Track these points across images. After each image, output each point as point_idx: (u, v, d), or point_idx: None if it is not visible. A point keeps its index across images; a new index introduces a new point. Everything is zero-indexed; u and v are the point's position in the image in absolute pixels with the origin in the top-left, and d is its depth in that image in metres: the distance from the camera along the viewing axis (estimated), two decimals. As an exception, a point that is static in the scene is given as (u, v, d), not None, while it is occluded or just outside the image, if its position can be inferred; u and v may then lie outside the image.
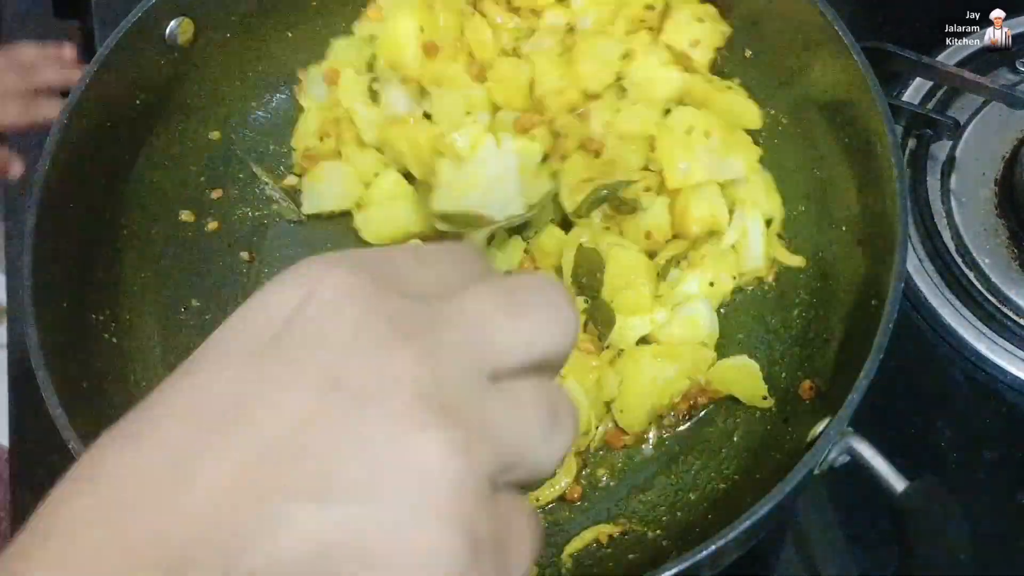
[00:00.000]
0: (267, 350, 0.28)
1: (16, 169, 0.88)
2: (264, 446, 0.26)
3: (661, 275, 0.77)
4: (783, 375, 0.74)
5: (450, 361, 0.28)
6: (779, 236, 0.79)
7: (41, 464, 0.80)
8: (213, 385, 0.27)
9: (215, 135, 0.84)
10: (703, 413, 0.74)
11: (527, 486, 0.30)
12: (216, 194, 0.84)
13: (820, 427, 0.59)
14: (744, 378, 0.73)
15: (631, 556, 0.69)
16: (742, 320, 0.78)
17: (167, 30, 0.75)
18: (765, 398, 0.72)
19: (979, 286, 0.82)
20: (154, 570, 0.24)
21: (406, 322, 0.28)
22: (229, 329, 0.29)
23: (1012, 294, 0.81)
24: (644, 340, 0.75)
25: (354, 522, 0.25)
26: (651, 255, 0.77)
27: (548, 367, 0.31)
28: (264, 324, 0.29)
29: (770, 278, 0.78)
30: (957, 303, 0.82)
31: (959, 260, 0.83)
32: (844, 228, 0.74)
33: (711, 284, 0.76)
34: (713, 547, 0.53)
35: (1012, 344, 0.80)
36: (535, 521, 0.30)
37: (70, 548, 0.25)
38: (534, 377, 0.30)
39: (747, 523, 0.53)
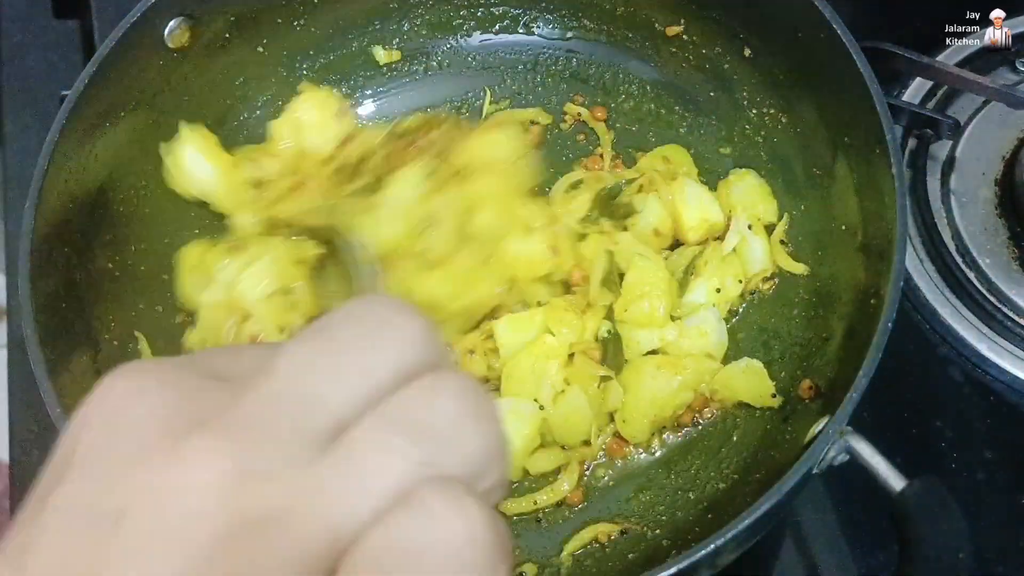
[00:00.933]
0: (50, 497, 0.25)
1: None
2: None
3: (680, 289, 0.76)
4: (783, 374, 0.74)
5: (261, 438, 0.24)
6: (781, 242, 0.79)
7: (40, 464, 0.80)
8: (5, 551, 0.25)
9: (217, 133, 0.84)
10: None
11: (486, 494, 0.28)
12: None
13: (819, 426, 0.59)
14: (750, 381, 0.73)
15: (631, 555, 0.69)
16: (741, 320, 0.78)
17: (166, 30, 0.75)
18: (774, 396, 0.72)
19: (979, 286, 0.82)
20: None
21: (202, 403, 0.25)
22: (44, 476, 0.27)
23: (1012, 294, 0.81)
24: (651, 351, 0.75)
25: None
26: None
27: (422, 371, 0.27)
28: (56, 467, 0.27)
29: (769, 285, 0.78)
30: (957, 303, 0.82)
31: (959, 260, 0.83)
32: (844, 228, 0.74)
33: (718, 290, 0.75)
34: (712, 546, 0.53)
35: (1012, 344, 0.80)
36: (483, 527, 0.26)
37: None
38: (376, 409, 0.26)
39: (746, 522, 0.54)
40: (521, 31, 0.90)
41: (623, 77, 0.88)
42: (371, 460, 0.25)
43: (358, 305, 0.28)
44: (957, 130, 0.87)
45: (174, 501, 0.24)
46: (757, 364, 0.73)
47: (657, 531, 0.70)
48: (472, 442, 0.27)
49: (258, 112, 0.86)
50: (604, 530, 0.71)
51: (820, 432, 0.57)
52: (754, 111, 0.82)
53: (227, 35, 0.81)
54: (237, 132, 0.85)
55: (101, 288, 0.73)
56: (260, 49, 0.84)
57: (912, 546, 0.55)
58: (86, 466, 0.25)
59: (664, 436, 0.74)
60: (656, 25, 0.86)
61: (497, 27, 0.90)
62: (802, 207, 0.79)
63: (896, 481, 0.56)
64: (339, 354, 0.26)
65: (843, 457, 0.58)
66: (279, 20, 0.84)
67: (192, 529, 0.23)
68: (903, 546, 0.56)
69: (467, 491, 0.26)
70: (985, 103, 0.89)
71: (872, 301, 0.64)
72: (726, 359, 0.75)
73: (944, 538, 0.54)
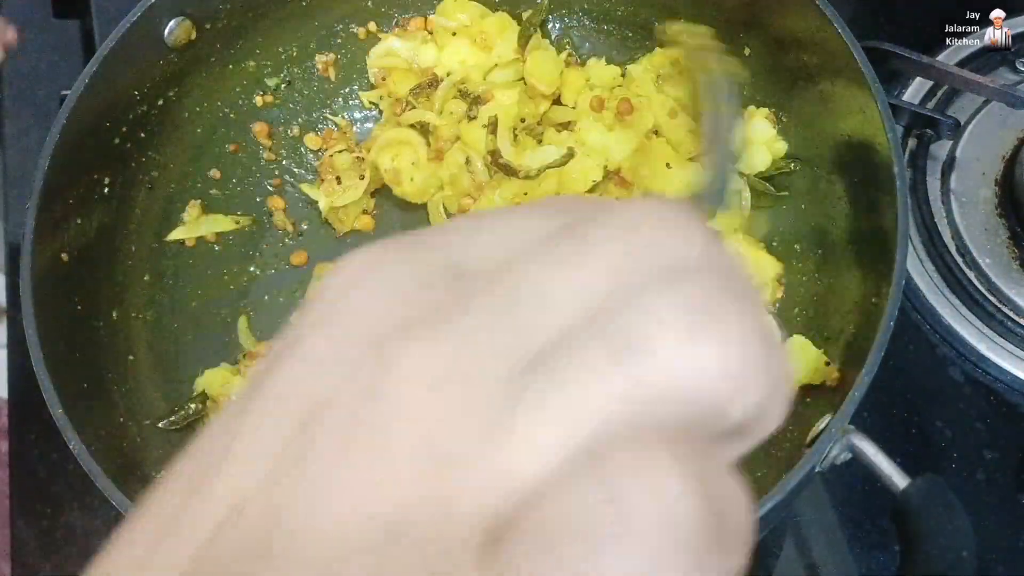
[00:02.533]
0: (256, 381, 0.23)
1: (9, 35, 0.82)
2: (231, 506, 0.21)
3: None
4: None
5: (474, 350, 0.21)
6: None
7: (42, 464, 0.80)
8: (211, 435, 0.23)
9: (214, 134, 0.84)
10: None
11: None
12: (216, 194, 0.84)
13: (821, 424, 0.59)
14: (805, 358, 0.71)
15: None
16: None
17: (166, 30, 0.75)
18: (828, 364, 0.70)
19: (979, 286, 0.82)
20: None
21: (425, 301, 0.22)
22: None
23: (1012, 294, 0.81)
24: None
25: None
26: None
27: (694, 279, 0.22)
28: (284, 343, 0.23)
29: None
30: (957, 303, 0.82)
31: (959, 260, 0.83)
32: (844, 227, 0.74)
33: None
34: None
35: (1012, 344, 0.80)
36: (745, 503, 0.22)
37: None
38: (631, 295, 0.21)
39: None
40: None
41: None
42: (576, 397, 0.20)
43: (630, 206, 0.23)
44: (957, 130, 0.87)
45: (368, 410, 0.20)
46: (804, 342, 0.71)
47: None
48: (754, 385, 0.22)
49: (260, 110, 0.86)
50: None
51: (823, 431, 0.57)
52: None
53: (227, 34, 0.81)
54: (238, 131, 0.85)
55: (102, 288, 0.73)
56: (262, 45, 0.84)
57: (914, 545, 0.55)
58: (299, 356, 0.22)
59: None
60: (656, 24, 0.86)
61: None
62: (802, 207, 0.79)
63: (899, 479, 0.56)
64: (590, 255, 0.22)
65: (845, 455, 0.58)
66: (279, 17, 0.84)
67: (380, 445, 0.20)
68: (905, 545, 0.56)
69: (683, 454, 0.20)
70: (985, 103, 0.89)
71: (873, 300, 0.64)
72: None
73: (947, 537, 0.54)
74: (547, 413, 0.20)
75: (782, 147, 0.79)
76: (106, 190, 0.74)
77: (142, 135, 0.77)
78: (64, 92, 0.70)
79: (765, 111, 0.80)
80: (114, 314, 0.74)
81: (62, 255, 0.69)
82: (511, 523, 0.20)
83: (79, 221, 0.71)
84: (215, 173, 0.84)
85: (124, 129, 0.75)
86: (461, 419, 0.20)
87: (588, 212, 0.23)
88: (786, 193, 0.79)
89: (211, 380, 0.75)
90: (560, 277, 0.21)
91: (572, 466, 0.20)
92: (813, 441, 0.58)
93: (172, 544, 0.21)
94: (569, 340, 0.21)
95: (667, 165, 0.78)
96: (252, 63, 0.84)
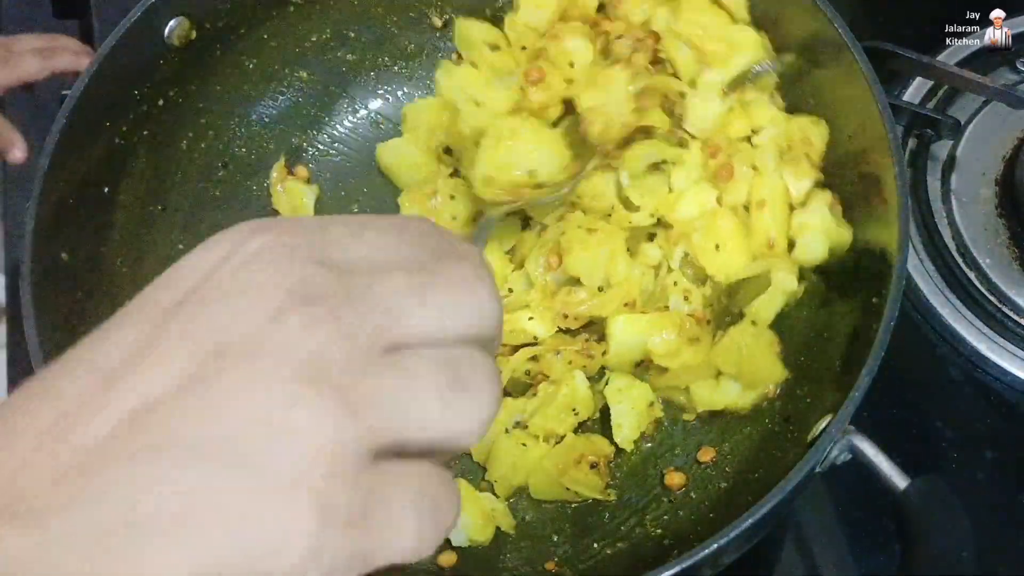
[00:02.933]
0: (171, 310, 0.29)
1: (17, 153, 0.86)
2: (138, 408, 0.27)
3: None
4: (788, 377, 0.73)
5: (342, 332, 0.28)
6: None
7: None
8: (114, 342, 0.29)
9: (214, 134, 0.84)
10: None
11: (441, 455, 0.30)
12: (216, 193, 0.84)
13: (821, 425, 0.59)
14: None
15: (632, 555, 0.69)
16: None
17: (166, 29, 0.75)
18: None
19: (979, 286, 0.82)
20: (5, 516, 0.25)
21: (309, 290, 0.28)
22: (152, 287, 0.30)
23: (1012, 294, 0.81)
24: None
25: (213, 482, 0.26)
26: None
27: (472, 343, 0.31)
28: (178, 284, 0.29)
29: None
30: (957, 303, 0.82)
31: (959, 260, 0.83)
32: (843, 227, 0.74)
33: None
34: (715, 545, 0.53)
35: (1012, 344, 0.80)
36: (434, 491, 0.29)
37: None
38: (437, 348, 0.30)
39: (749, 521, 0.53)
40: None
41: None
42: (421, 388, 0.29)
43: (468, 262, 0.32)
44: (957, 130, 0.88)
45: (267, 352, 0.27)
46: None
47: (659, 530, 0.70)
48: (452, 427, 0.30)
49: (261, 110, 0.86)
50: (606, 529, 0.71)
51: (823, 431, 0.57)
52: (754, 111, 0.82)
53: (227, 34, 0.81)
54: (239, 131, 0.85)
55: (105, 288, 0.73)
56: (262, 45, 0.84)
57: (915, 545, 0.55)
58: (207, 305, 0.28)
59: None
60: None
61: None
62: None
63: (899, 480, 0.56)
64: (427, 303, 0.30)
65: (846, 456, 0.58)
66: (280, 17, 0.84)
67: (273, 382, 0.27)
68: (906, 545, 0.56)
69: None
70: (985, 103, 0.89)
71: (874, 300, 0.64)
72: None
73: (947, 537, 0.54)
74: (407, 393, 0.29)
75: (846, 237, 0.72)
76: (106, 190, 0.74)
77: (142, 135, 0.77)
78: (64, 92, 0.71)
79: (828, 196, 0.73)
80: (114, 312, 0.74)
81: (62, 255, 0.69)
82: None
83: (79, 221, 0.71)
84: (216, 173, 0.84)
85: (124, 129, 0.75)
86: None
87: (437, 260, 0.32)
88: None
89: None
90: (409, 304, 0.30)
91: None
92: (813, 442, 0.58)
93: (84, 424, 0.26)
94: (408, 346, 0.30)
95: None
96: (253, 64, 0.84)
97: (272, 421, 0.26)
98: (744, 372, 0.70)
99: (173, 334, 0.28)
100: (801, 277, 0.72)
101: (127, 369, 0.27)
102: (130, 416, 0.26)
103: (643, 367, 0.75)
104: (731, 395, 0.71)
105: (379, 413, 0.27)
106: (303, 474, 0.26)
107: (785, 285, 0.71)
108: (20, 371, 0.84)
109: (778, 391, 0.71)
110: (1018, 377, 0.79)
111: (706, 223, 0.74)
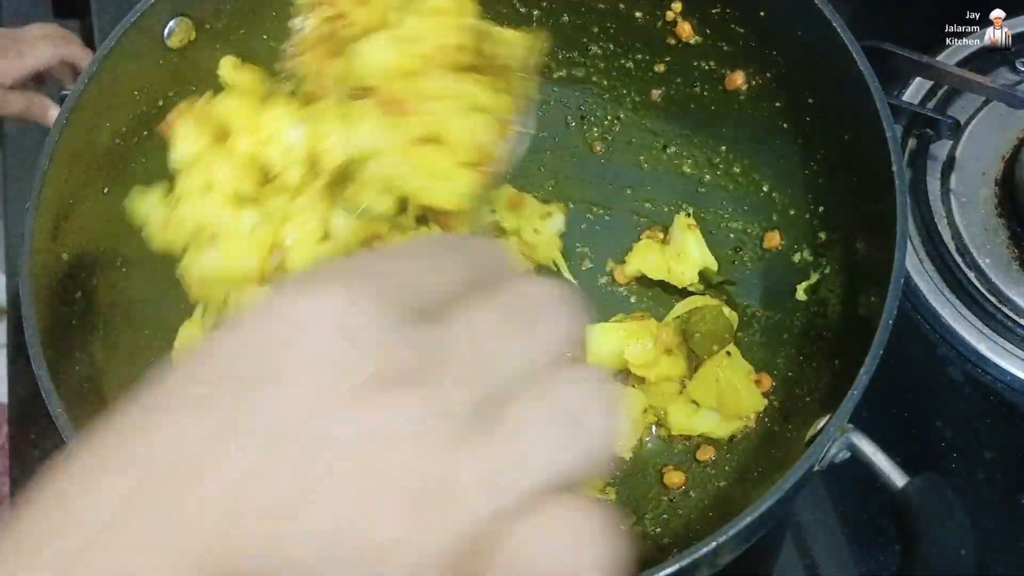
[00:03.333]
0: (238, 403, 0.26)
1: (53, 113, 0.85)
2: (229, 511, 0.24)
3: None
4: (789, 373, 0.74)
5: (441, 411, 0.26)
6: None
7: (41, 464, 0.80)
8: (171, 434, 0.26)
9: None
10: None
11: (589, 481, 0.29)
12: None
13: (820, 424, 0.59)
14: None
15: (632, 554, 0.69)
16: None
17: (166, 30, 0.75)
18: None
19: (979, 286, 0.82)
20: None
21: (399, 373, 0.26)
22: (202, 367, 0.27)
23: (1012, 294, 0.81)
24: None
25: None
26: None
27: (562, 359, 0.30)
28: (240, 367, 0.26)
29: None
30: (957, 303, 0.82)
31: (959, 260, 0.83)
32: (844, 228, 0.74)
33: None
34: (713, 544, 0.53)
35: (1012, 344, 0.80)
36: (588, 527, 0.27)
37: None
38: (542, 390, 0.28)
39: (747, 520, 0.53)
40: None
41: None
42: (535, 449, 0.26)
43: (546, 289, 0.30)
44: (957, 130, 0.87)
45: (370, 447, 0.25)
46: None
47: (658, 529, 0.70)
48: (600, 441, 0.28)
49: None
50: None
51: (821, 430, 0.57)
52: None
53: (227, 34, 0.81)
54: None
55: (102, 287, 0.73)
56: (262, 45, 0.84)
57: (914, 543, 0.55)
58: (277, 391, 0.26)
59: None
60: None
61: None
62: (801, 207, 0.79)
63: (898, 478, 0.56)
64: (521, 338, 0.28)
65: (844, 454, 0.58)
66: (281, 16, 0.84)
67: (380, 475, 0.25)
68: (905, 543, 0.56)
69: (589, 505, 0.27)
70: (985, 103, 0.89)
71: (873, 299, 0.64)
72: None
73: (946, 535, 0.54)
74: (520, 455, 0.27)
75: (711, 261, 0.78)
76: (106, 190, 0.74)
77: (142, 135, 0.77)
78: (64, 92, 0.71)
79: (691, 222, 0.80)
80: (114, 312, 0.74)
81: (62, 255, 0.69)
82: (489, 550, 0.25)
83: (79, 221, 0.71)
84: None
85: (124, 129, 0.75)
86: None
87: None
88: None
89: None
90: (496, 348, 0.28)
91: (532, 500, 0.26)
92: (812, 440, 0.58)
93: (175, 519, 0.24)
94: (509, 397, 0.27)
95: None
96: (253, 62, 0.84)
97: (374, 540, 0.24)
98: (723, 403, 0.72)
99: (245, 435, 0.25)
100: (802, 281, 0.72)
101: (198, 472, 0.25)
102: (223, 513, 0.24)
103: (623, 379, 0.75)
104: (709, 423, 0.73)
105: (498, 485, 0.26)
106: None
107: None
108: (20, 371, 0.84)
109: (757, 421, 0.72)
110: (1018, 377, 0.79)
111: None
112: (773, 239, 0.80)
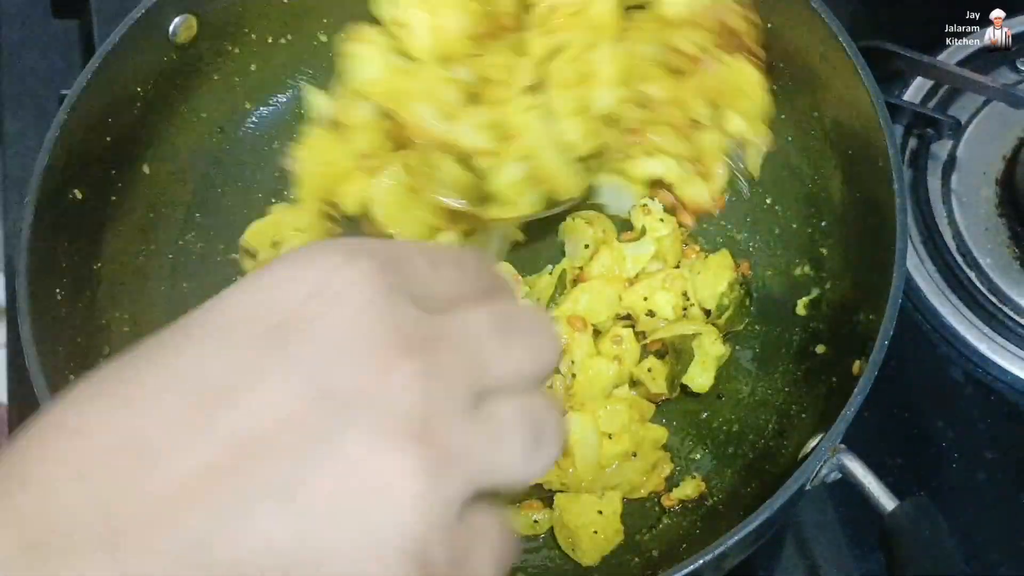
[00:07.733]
0: (266, 340, 0.28)
1: None
2: (239, 441, 0.26)
3: None
4: (786, 389, 0.73)
5: (443, 383, 0.28)
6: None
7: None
8: (205, 366, 0.27)
9: (217, 134, 0.84)
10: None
11: (503, 496, 0.31)
12: (220, 191, 0.84)
13: (812, 443, 0.59)
14: None
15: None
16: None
17: (171, 27, 0.75)
18: None
19: (980, 286, 0.82)
20: (97, 544, 0.24)
21: (411, 334, 0.28)
22: (230, 305, 0.29)
23: (1013, 294, 0.81)
24: None
25: (312, 534, 0.25)
26: None
27: (539, 383, 0.33)
28: (267, 309, 0.28)
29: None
30: (958, 303, 0.82)
31: (960, 260, 0.83)
32: (844, 228, 0.74)
33: None
34: (701, 561, 0.53)
35: (1013, 344, 0.80)
36: (503, 536, 0.31)
37: (37, 502, 0.25)
38: (518, 397, 0.31)
39: (735, 538, 0.53)
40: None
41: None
42: (509, 442, 0.30)
43: (532, 308, 0.35)
44: (958, 130, 0.87)
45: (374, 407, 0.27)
46: None
47: (650, 543, 0.70)
48: (544, 462, 0.31)
49: (264, 109, 0.86)
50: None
51: (813, 449, 0.57)
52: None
53: (231, 32, 0.80)
54: (241, 130, 0.85)
55: (104, 287, 0.73)
56: (265, 45, 0.84)
57: (900, 568, 0.54)
58: (309, 339, 0.28)
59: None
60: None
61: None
62: (800, 207, 0.79)
63: (887, 501, 0.56)
64: (511, 345, 0.31)
65: (835, 475, 0.57)
66: (283, 16, 0.84)
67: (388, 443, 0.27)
68: (891, 567, 0.55)
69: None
70: (986, 103, 0.89)
71: (871, 317, 0.63)
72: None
73: (933, 561, 0.54)
74: (499, 443, 0.30)
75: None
76: (106, 191, 0.74)
77: (142, 134, 0.77)
78: (64, 92, 0.70)
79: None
80: (115, 314, 0.74)
81: (61, 254, 0.69)
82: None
83: (78, 221, 0.71)
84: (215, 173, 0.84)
85: (124, 128, 0.75)
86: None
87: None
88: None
89: None
90: (493, 349, 0.31)
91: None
92: (805, 459, 0.57)
93: (181, 450, 0.26)
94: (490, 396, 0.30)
95: None
96: (254, 63, 0.84)
97: (376, 478, 0.26)
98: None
99: (274, 370, 0.27)
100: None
101: (221, 401, 0.26)
102: (229, 449, 0.26)
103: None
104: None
105: (473, 467, 0.28)
106: (405, 532, 0.26)
107: (714, 351, 0.73)
108: (20, 371, 0.84)
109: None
110: (1018, 377, 0.79)
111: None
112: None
